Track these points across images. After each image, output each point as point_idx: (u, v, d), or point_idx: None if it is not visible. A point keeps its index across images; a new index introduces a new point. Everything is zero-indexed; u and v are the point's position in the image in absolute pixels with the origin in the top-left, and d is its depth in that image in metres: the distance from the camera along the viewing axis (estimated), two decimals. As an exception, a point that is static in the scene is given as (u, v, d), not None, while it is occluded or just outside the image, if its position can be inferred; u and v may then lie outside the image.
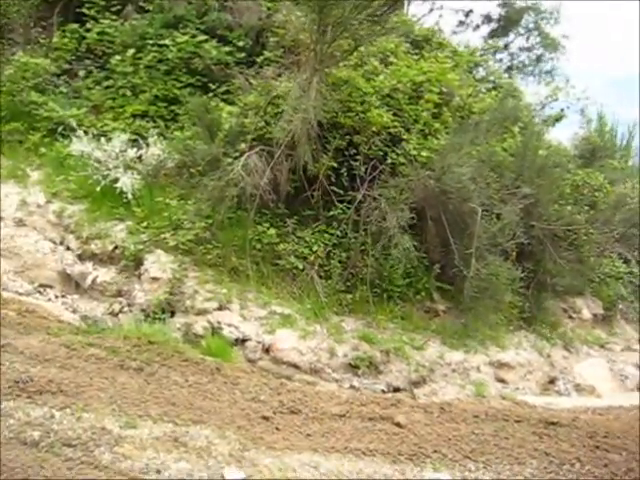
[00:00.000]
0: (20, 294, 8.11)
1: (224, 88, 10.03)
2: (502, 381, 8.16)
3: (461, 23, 20.30)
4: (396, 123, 8.89)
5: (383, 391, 7.40)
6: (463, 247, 8.41)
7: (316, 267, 8.31)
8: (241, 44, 10.57)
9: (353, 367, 7.54)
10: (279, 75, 9.01)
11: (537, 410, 7.00)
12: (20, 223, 8.99)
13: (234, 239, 8.30)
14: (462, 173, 8.39)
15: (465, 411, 6.56)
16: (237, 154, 8.34)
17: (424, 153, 8.79)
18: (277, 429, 5.59)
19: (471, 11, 20.16)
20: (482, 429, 6.11)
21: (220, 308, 7.73)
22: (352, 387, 7.38)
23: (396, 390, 7.47)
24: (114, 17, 11.36)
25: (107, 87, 10.66)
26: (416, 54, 10.59)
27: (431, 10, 18.11)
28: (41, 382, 5.52)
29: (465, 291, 8.34)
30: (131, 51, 10.62)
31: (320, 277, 8.31)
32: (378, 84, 8.92)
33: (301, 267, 8.30)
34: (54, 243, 8.79)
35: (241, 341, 7.55)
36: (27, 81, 10.65)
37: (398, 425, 5.95)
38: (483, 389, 7.63)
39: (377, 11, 7.62)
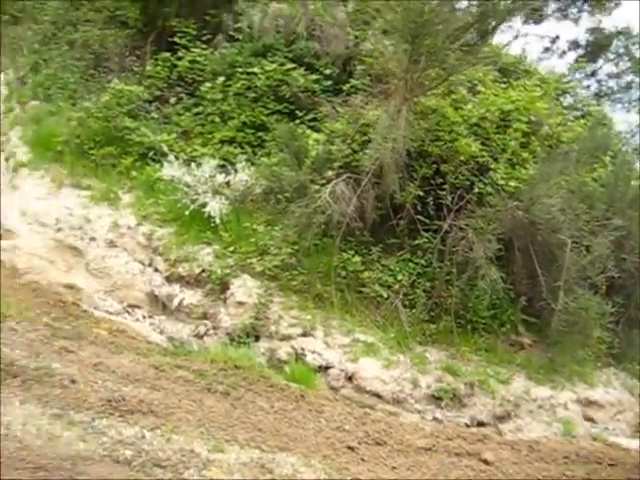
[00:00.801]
0: (110, 313, 8.36)
1: (311, 115, 10.16)
2: (590, 420, 7.89)
3: (546, 49, 19.98)
4: (484, 152, 8.80)
5: (467, 425, 7.28)
6: (551, 280, 8.22)
7: (400, 296, 8.26)
8: (328, 72, 10.71)
9: (436, 399, 7.45)
10: (366, 103, 9.05)
11: (631, 454, 6.73)
12: (111, 244, 9.28)
13: (319, 266, 8.35)
14: (551, 204, 8.24)
15: (555, 451, 6.37)
16: (324, 181, 8.42)
17: (512, 183, 8.67)
18: (362, 460, 5.56)
19: (557, 37, 19.82)
20: (573, 471, 5.92)
21: (304, 334, 7.77)
22: (435, 419, 7.28)
23: (480, 424, 7.33)
24: (204, 46, 11.70)
25: (197, 113, 10.96)
26: (504, 82, 10.48)
27: (516, 37, 17.90)
28: (132, 402, 5.66)
29: (552, 325, 8.14)
30: (221, 79, 10.90)
31: (404, 306, 8.25)
32: (466, 113, 8.87)
33: (385, 295, 8.27)
34: (143, 264, 9.03)
35: (324, 368, 7.56)
36: (121, 107, 11.04)
37: (485, 462, 5.83)
38: (571, 428, 7.40)
39: (470, 41, 7.59)
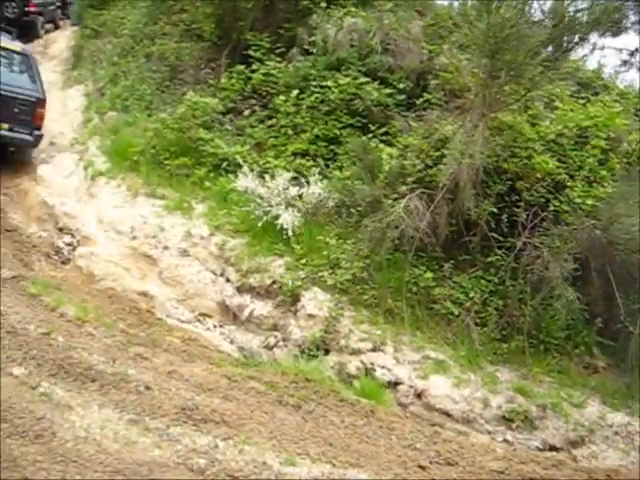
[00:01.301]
0: (182, 322, 8.49)
1: (383, 129, 10.15)
2: (670, 451, 7.59)
3: (624, 63, 19.44)
4: (560, 169, 8.62)
5: (538, 448, 7.08)
6: (629, 302, 7.97)
7: (472, 314, 8.14)
8: (401, 86, 10.70)
9: (507, 420, 7.27)
10: (441, 118, 8.99)
11: None
12: (184, 253, 9.44)
13: (390, 281, 8.30)
14: (632, 224, 7.99)
15: (634, 481, 6.16)
16: (397, 196, 8.38)
17: (589, 201, 8.45)
18: (434, 480, 5.49)
19: (637, 50, 19.27)
20: (653, 503, 5.71)
21: (374, 349, 7.73)
22: (506, 441, 7.12)
23: (552, 449, 7.12)
24: (278, 59, 11.86)
25: (270, 126, 11.09)
26: (581, 97, 10.27)
27: (593, 49, 17.45)
28: (206, 411, 5.73)
29: (630, 349, 7.88)
30: (294, 92, 11.01)
31: (475, 324, 8.13)
32: (543, 129, 8.72)
33: (456, 313, 8.16)
34: (215, 274, 9.14)
35: (393, 384, 7.50)
36: (196, 119, 11.27)
37: (561, 489, 5.68)
38: (650, 457, 7.13)
39: (549, 56, 7.46)
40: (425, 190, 8.37)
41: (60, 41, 20.45)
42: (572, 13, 8.16)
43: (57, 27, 22.88)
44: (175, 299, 8.87)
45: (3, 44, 11.21)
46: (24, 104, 10.94)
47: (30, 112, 11.00)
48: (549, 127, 8.89)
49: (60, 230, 10.22)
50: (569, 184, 8.63)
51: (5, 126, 10.72)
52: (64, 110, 14.96)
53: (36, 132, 11.27)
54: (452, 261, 8.50)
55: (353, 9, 11.88)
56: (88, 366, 6.00)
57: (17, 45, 11.77)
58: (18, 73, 11.22)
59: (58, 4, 23.22)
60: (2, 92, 10.64)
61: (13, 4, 19.76)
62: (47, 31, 21.96)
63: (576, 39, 7.64)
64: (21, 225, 9.88)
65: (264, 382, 6.53)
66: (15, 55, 11.36)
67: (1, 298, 7.05)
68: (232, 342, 8.28)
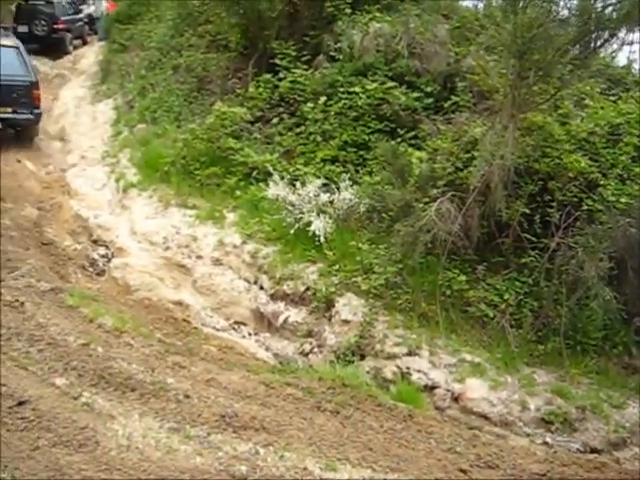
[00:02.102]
0: (217, 330, 8.55)
1: (412, 133, 10.14)
2: None
3: (655, 58, 19.21)
4: (593, 168, 8.54)
5: (579, 450, 7.00)
6: (668, 300, 7.87)
7: (507, 316, 8.08)
8: (429, 89, 10.68)
9: (546, 422, 7.20)
10: (470, 120, 8.96)
11: None
12: (217, 262, 9.51)
13: (424, 284, 8.28)
14: (667, 221, 7.90)
15: (680, 483, 6.06)
16: (428, 199, 8.37)
17: (623, 199, 8.34)
18: (476, 484, 5.46)
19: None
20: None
21: (409, 353, 7.71)
22: (545, 444, 7.04)
23: (593, 451, 7.03)
24: (305, 67, 11.92)
25: (298, 133, 11.14)
26: (612, 94, 10.17)
27: (622, 45, 17.26)
28: (245, 418, 5.78)
29: (669, 348, 7.79)
30: (322, 98, 11.05)
31: (511, 326, 8.06)
32: (574, 128, 8.64)
33: (491, 315, 8.10)
34: (248, 282, 9.19)
35: (429, 388, 7.48)
36: (225, 128, 11.37)
37: (606, 492, 5.61)
38: (695, 460, 7.00)
39: (580, 55, 7.41)
40: (456, 193, 8.34)
41: (88, 56, 20.79)
42: (600, 9, 8.11)
43: (85, 43, 23.29)
44: (210, 308, 8.94)
45: None
46: (21, 89, 12.61)
47: (27, 95, 12.70)
48: (580, 126, 8.81)
49: (94, 242, 10.37)
50: (602, 182, 8.54)
51: (9, 110, 12.41)
52: (94, 124, 15.22)
53: (35, 111, 12.99)
54: (485, 263, 8.45)
55: (378, 14, 11.89)
56: (128, 376, 6.08)
57: (9, 40, 13.30)
58: (12, 63, 12.66)
59: (85, 20, 23.63)
60: (2, 81, 12.16)
61: (42, 22, 20.17)
62: (75, 47, 22.36)
63: (606, 36, 7.56)
64: (56, 238, 10.04)
65: (301, 388, 6.54)
66: (8, 49, 12.87)
67: (41, 310, 7.18)
68: (268, 349, 8.32)
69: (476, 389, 7.37)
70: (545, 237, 8.38)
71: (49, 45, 20.23)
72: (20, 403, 5.29)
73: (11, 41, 13.34)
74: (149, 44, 16.61)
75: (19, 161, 12.60)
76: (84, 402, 5.52)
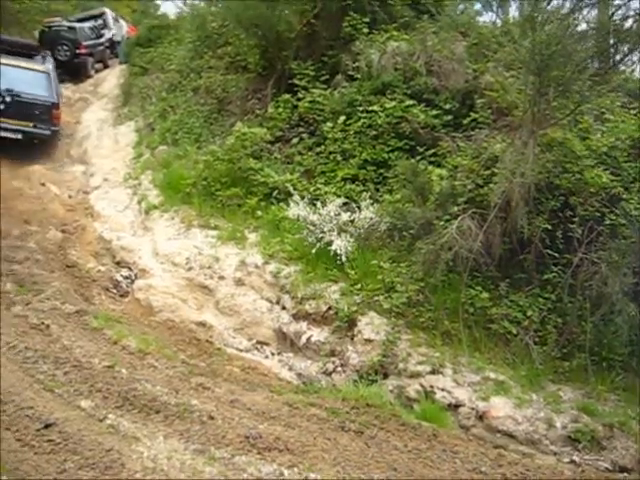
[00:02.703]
0: (240, 350, 8.58)
1: (432, 151, 10.13)
2: None
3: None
4: (615, 182, 8.49)
5: (608, 469, 6.91)
6: (694, 315, 7.76)
7: (530, 332, 8.02)
8: (448, 107, 10.67)
9: (573, 440, 7.12)
10: (490, 137, 8.96)
11: None
12: (239, 282, 9.54)
13: (446, 302, 8.25)
14: (691, 234, 7.82)
15: None
16: (449, 217, 8.36)
17: (646, 213, 8.29)
18: (502, 504, 5.41)
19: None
20: None
21: (433, 372, 7.67)
22: (572, 462, 6.96)
23: (623, 469, 6.93)
24: (324, 86, 11.98)
25: (318, 153, 11.17)
26: (632, 108, 10.11)
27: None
28: (269, 439, 5.79)
29: (697, 363, 7.67)
30: (342, 118, 11.09)
31: (535, 343, 8.00)
32: (595, 143, 8.60)
33: (515, 332, 8.05)
34: (271, 302, 9.21)
35: (454, 406, 7.43)
36: (245, 149, 11.43)
37: (634, 511, 5.52)
38: None
39: (600, 69, 7.39)
40: (477, 210, 8.32)
41: (110, 80, 21.05)
42: (618, 21, 8.10)
43: (106, 66, 23.59)
44: (233, 328, 8.96)
45: (27, 65, 14.67)
46: (43, 108, 14.20)
47: (48, 113, 14.31)
48: (600, 140, 8.76)
49: (118, 264, 10.46)
50: (624, 197, 8.48)
51: (30, 124, 13.95)
52: (116, 147, 15.38)
53: (53, 128, 14.55)
54: (508, 280, 8.40)
55: (395, 33, 11.93)
56: (152, 398, 6.12)
57: (38, 65, 15.05)
58: (39, 85, 14.43)
59: (107, 44, 23.96)
60: (27, 99, 13.94)
61: (65, 47, 20.50)
62: (97, 70, 22.66)
63: (625, 49, 7.54)
64: (80, 261, 10.14)
65: (325, 408, 6.55)
66: (37, 73, 14.70)
67: (66, 332, 7.26)
68: (291, 369, 8.32)
69: (501, 407, 7.31)
70: (568, 253, 8.32)
71: (72, 69, 20.55)
72: (47, 426, 5.34)
73: (43, 67, 15.11)
74: (169, 67, 16.77)
75: (43, 184, 12.78)
76: (109, 424, 5.56)
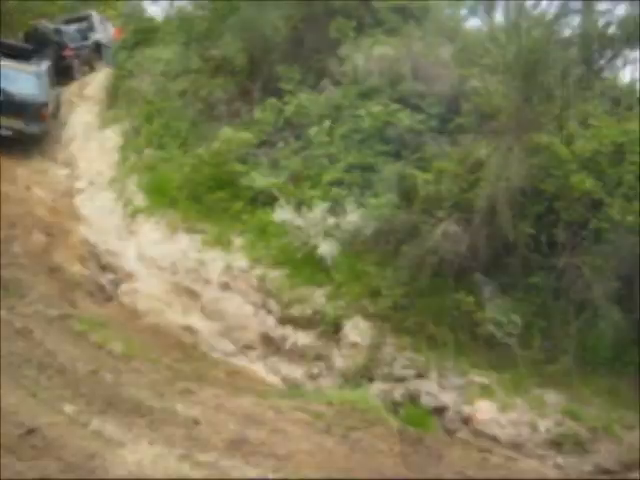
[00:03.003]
0: (226, 354, 8.56)
1: (417, 155, 10.12)
2: None
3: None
4: (598, 187, 8.53)
5: (591, 472, 6.96)
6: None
7: (515, 336, 8.06)
8: (433, 111, 10.67)
9: (557, 444, 7.17)
10: (475, 142, 8.99)
11: None
12: (225, 286, 9.52)
13: (432, 306, 8.28)
14: (675, 238, 7.87)
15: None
16: (434, 221, 8.38)
17: (630, 218, 8.32)
18: (487, 508, 5.43)
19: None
20: None
21: (418, 376, 7.71)
22: (557, 465, 7.01)
23: (606, 472, 6.99)
24: (310, 90, 11.96)
25: (304, 157, 11.14)
26: (615, 113, 10.17)
27: (625, 64, 17.29)
28: (254, 443, 5.78)
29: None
30: (327, 122, 11.07)
31: (519, 347, 8.04)
32: (579, 148, 8.65)
33: (499, 336, 8.08)
34: (256, 306, 9.20)
35: (439, 410, 7.46)
36: (231, 153, 11.38)
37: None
38: None
39: (584, 75, 7.44)
40: (462, 214, 8.35)
41: (95, 83, 20.93)
42: (602, 27, 8.15)
43: (93, 69, 23.46)
44: (218, 332, 8.94)
45: (19, 66, 15.40)
46: (34, 106, 14.74)
47: (37, 111, 14.86)
48: (584, 145, 8.81)
49: (103, 268, 10.39)
50: (608, 202, 8.53)
51: (21, 121, 14.40)
52: (102, 150, 15.28)
53: (42, 125, 15.13)
54: (493, 284, 8.45)
55: (382, 37, 11.95)
56: (137, 402, 6.10)
57: (29, 67, 15.76)
58: (32, 86, 15.07)
59: (93, 47, 23.83)
60: (19, 98, 14.48)
61: (50, 50, 20.37)
62: (83, 73, 22.52)
63: (609, 55, 7.60)
64: (65, 264, 10.06)
65: (310, 412, 6.55)
66: (27, 74, 15.36)
67: (50, 337, 7.21)
68: (276, 373, 8.32)
69: (485, 411, 7.36)
70: (552, 257, 8.37)
71: (57, 72, 20.44)
72: (30, 431, 5.29)
73: (35, 68, 15.90)
74: (156, 70, 16.71)
75: (28, 188, 12.69)
76: (93, 429, 5.52)
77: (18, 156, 13.82)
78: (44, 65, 16.33)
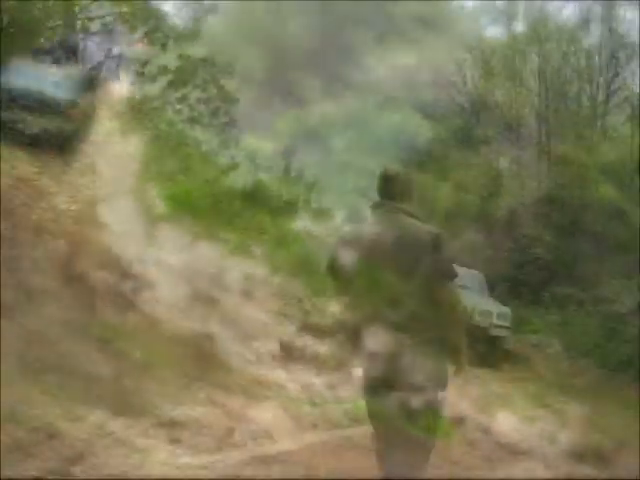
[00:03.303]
0: (245, 363, 8.54)
1: (439, 165, 10.12)
2: None
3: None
4: (623, 197, 8.48)
5: (612, 485, 6.87)
6: None
7: (538, 348, 8.00)
8: (454, 121, 10.68)
9: (578, 456, 7.08)
10: (497, 152, 8.97)
11: None
12: (246, 295, 9.52)
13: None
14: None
15: None
16: (455, 231, 8.35)
17: (655, 227, 8.25)
18: (508, 521, 5.37)
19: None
20: None
21: (438, 385, 7.63)
22: (577, 477, 6.91)
23: (628, 484, 6.89)
24: (331, 99, 12.00)
25: (325, 166, 11.17)
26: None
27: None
28: (274, 453, 5.74)
29: None
30: (349, 131, 11.11)
31: (542, 358, 7.98)
32: (603, 158, 8.60)
33: (522, 347, 8.03)
34: (276, 315, 9.20)
35: (459, 421, 7.40)
36: (253, 162, 11.45)
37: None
38: None
39: (609, 84, 7.39)
40: (483, 224, 8.32)
41: (118, 90, 21.08)
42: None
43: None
44: (238, 340, 8.93)
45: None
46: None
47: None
48: (608, 155, 8.76)
49: (123, 275, 10.41)
50: (632, 211, 8.46)
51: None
52: (121, 157, 15.36)
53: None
54: (515, 295, 8.39)
55: (403, 47, 11.96)
56: (157, 410, 6.09)
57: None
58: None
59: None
60: None
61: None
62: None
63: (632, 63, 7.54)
64: (85, 271, 10.10)
65: (331, 422, 6.51)
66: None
67: (71, 344, 7.23)
68: (296, 382, 8.28)
69: (506, 422, 7.28)
70: (576, 267, 8.31)
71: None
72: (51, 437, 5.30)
73: None
74: (177, 77, 16.78)
75: (51, 194, 12.76)
76: (116, 437, 5.53)
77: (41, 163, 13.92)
78: None
